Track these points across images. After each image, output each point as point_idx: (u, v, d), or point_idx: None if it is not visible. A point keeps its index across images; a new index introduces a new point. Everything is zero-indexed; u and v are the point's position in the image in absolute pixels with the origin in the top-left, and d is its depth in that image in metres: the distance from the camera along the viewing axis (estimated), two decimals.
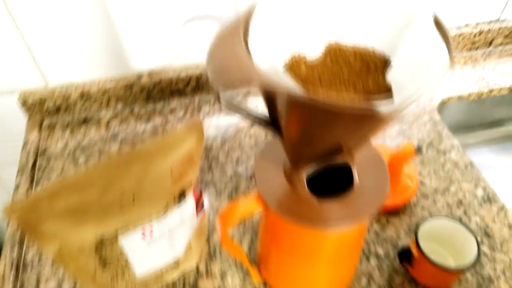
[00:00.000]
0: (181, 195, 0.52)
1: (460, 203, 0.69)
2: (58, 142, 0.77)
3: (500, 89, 0.84)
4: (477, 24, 0.89)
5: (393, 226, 0.66)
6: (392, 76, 0.39)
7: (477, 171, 0.73)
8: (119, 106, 0.81)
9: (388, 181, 0.46)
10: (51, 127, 0.79)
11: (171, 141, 0.47)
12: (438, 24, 0.36)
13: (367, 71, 0.41)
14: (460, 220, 0.58)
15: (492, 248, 0.63)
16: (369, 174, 0.47)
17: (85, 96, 0.78)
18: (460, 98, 0.83)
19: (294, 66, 0.41)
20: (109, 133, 0.78)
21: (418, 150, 0.55)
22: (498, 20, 0.90)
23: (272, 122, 0.41)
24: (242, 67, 0.31)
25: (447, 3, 0.83)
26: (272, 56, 0.39)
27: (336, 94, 0.38)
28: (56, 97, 0.77)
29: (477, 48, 0.91)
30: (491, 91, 0.84)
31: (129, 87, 0.79)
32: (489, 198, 0.69)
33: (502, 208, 0.68)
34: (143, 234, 0.51)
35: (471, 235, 0.56)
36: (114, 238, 0.49)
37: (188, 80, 0.80)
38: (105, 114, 0.81)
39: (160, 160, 0.47)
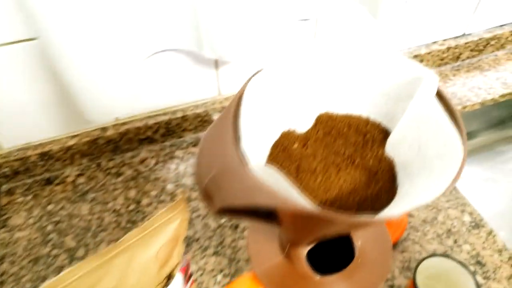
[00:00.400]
0: (169, 278, 0.48)
1: (449, 232, 0.68)
2: (21, 209, 0.70)
3: (473, 105, 0.84)
4: (445, 40, 0.88)
5: None
6: (394, 151, 0.36)
7: (461, 195, 0.72)
8: (85, 161, 0.75)
9: (391, 250, 0.44)
10: (11, 193, 0.72)
11: (154, 228, 0.43)
12: (441, 97, 0.34)
13: (364, 143, 0.38)
14: (454, 258, 0.57)
15: (486, 277, 0.63)
16: (369, 241, 0.44)
17: (46, 155, 0.72)
18: None
19: (286, 145, 0.38)
20: (77, 193, 0.72)
21: None
22: (463, 35, 0.90)
23: (268, 216, 0.37)
24: (253, 189, 0.27)
25: (415, 22, 0.82)
26: (264, 144, 0.35)
27: (336, 176, 0.35)
28: (13, 161, 0.71)
29: (446, 64, 0.91)
30: (464, 107, 0.84)
31: (93, 141, 0.73)
32: (477, 224, 0.69)
33: (490, 233, 0.68)
34: None
35: (467, 272, 0.55)
36: None
37: (156, 128, 0.76)
38: (71, 172, 0.75)
39: (144, 249, 0.43)
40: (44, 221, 0.69)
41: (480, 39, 0.90)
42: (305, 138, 0.38)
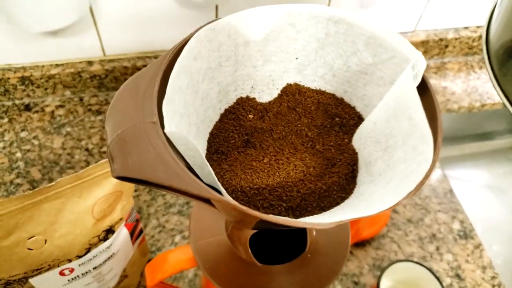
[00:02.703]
0: (109, 232, 0.44)
1: (433, 237, 0.62)
2: None
3: (494, 104, 0.76)
4: (478, 27, 0.79)
5: (356, 260, 0.59)
6: (361, 143, 0.30)
7: (456, 200, 0.66)
8: (67, 93, 0.72)
9: (347, 249, 0.39)
10: None
11: (90, 178, 0.39)
12: (425, 90, 0.28)
13: (330, 127, 0.32)
14: (427, 267, 0.52)
15: None
16: (325, 235, 0.40)
17: (27, 80, 0.68)
18: (448, 110, 0.75)
19: (240, 114, 0.32)
20: (53, 124, 0.69)
21: None
22: None
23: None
24: (157, 160, 0.22)
25: (446, 1, 0.73)
26: (204, 111, 0.30)
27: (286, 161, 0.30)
28: None
29: (474, 54, 0.82)
30: (483, 105, 0.76)
31: (77, 73, 0.69)
32: (466, 234, 0.63)
33: (478, 246, 0.62)
34: (61, 273, 0.44)
35: (440, 286, 0.51)
36: (24, 279, 0.42)
37: None
38: (51, 102, 0.71)
39: (77, 199, 0.39)
40: (14, 147, 0.66)
41: None
42: (264, 110, 0.33)
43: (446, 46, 0.79)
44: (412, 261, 0.53)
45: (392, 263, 0.52)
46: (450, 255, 0.61)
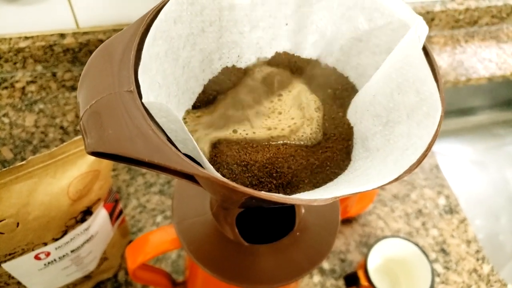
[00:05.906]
0: (86, 213, 0.42)
1: (419, 213, 0.62)
2: None
3: (479, 79, 0.76)
4: None
5: (343, 237, 0.59)
6: (357, 117, 0.29)
7: (442, 175, 0.66)
8: (39, 68, 0.68)
9: (337, 227, 0.37)
10: None
11: (65, 156, 0.36)
12: (426, 55, 0.26)
13: (322, 99, 0.30)
14: (414, 242, 0.51)
15: (446, 267, 0.58)
16: (314, 213, 0.38)
17: None
18: None
19: (224, 85, 0.30)
20: (24, 101, 0.65)
21: None
22: None
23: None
24: (135, 133, 0.20)
25: None
26: (185, 78, 0.28)
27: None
28: None
29: (460, 28, 0.81)
30: (468, 80, 0.75)
31: (49, 47, 0.65)
32: (451, 209, 0.63)
33: (462, 221, 0.62)
34: (37, 257, 0.41)
35: (426, 259, 0.50)
36: None
37: None
38: (22, 77, 0.67)
39: (51, 179, 0.37)
40: None
41: (505, 4, 0.79)
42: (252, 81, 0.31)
43: (432, 19, 0.77)
44: (399, 237, 0.53)
45: (379, 239, 0.52)
46: (436, 230, 0.61)
